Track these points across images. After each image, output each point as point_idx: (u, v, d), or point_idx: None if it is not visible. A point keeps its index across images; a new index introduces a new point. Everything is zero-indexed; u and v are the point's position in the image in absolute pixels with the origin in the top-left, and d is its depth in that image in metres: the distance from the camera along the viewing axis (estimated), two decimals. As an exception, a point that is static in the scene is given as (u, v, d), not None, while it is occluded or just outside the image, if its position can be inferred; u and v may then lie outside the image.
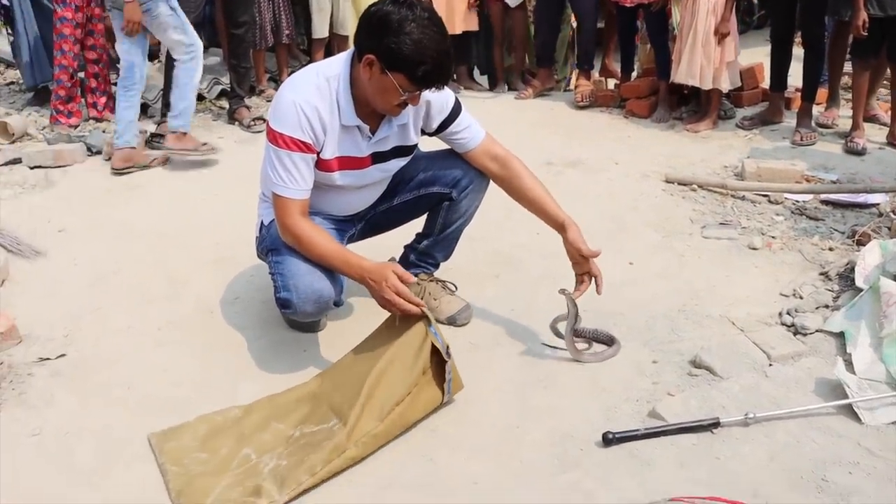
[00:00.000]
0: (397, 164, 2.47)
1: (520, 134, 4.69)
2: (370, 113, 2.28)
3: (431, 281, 2.71)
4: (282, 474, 1.92)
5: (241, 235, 3.06)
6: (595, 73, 5.97)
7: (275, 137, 2.23)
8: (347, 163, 2.35)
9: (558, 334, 2.52)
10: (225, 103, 5.49)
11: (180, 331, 2.68)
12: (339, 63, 2.27)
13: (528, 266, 3.04)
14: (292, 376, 2.39)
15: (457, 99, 2.42)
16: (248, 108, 5.25)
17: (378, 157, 2.39)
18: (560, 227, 2.41)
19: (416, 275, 2.54)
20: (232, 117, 5.22)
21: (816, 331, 2.54)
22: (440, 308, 2.64)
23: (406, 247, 2.77)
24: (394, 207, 2.62)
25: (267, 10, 5.52)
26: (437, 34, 2.08)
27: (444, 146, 2.53)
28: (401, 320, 2.18)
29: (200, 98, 5.61)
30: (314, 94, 2.22)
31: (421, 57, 2.06)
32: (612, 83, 6.02)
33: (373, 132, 2.33)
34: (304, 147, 2.23)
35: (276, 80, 5.95)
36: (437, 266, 2.75)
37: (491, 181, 2.54)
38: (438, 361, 2.12)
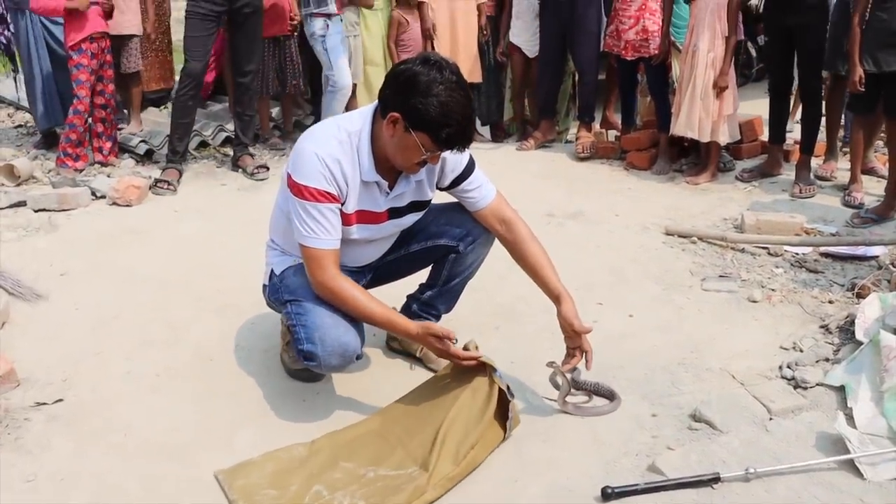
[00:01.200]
0: (412, 218, 2.49)
1: (521, 185, 4.72)
2: (388, 169, 2.30)
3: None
4: None
5: (244, 283, 3.07)
6: (596, 125, 6.02)
7: (300, 190, 2.22)
8: (365, 217, 2.36)
9: (557, 387, 2.51)
10: (229, 150, 5.53)
11: (180, 377, 2.67)
12: (360, 118, 2.28)
13: (529, 319, 3.04)
14: (291, 426, 2.38)
15: (471, 157, 2.44)
16: (252, 155, 5.29)
17: (394, 213, 2.41)
18: (556, 299, 2.41)
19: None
20: (236, 164, 5.25)
21: (817, 384, 2.53)
22: (440, 359, 2.63)
23: (409, 297, 2.78)
24: (402, 258, 2.63)
25: (272, 58, 5.59)
26: (463, 98, 2.11)
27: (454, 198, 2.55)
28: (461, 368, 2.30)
29: (205, 145, 5.68)
30: (336, 147, 2.23)
31: (446, 119, 2.08)
32: (612, 135, 6.08)
33: (390, 188, 2.35)
34: (330, 198, 2.23)
35: (281, 129, 6.01)
36: (438, 317, 2.75)
37: None
38: (500, 400, 2.22)
